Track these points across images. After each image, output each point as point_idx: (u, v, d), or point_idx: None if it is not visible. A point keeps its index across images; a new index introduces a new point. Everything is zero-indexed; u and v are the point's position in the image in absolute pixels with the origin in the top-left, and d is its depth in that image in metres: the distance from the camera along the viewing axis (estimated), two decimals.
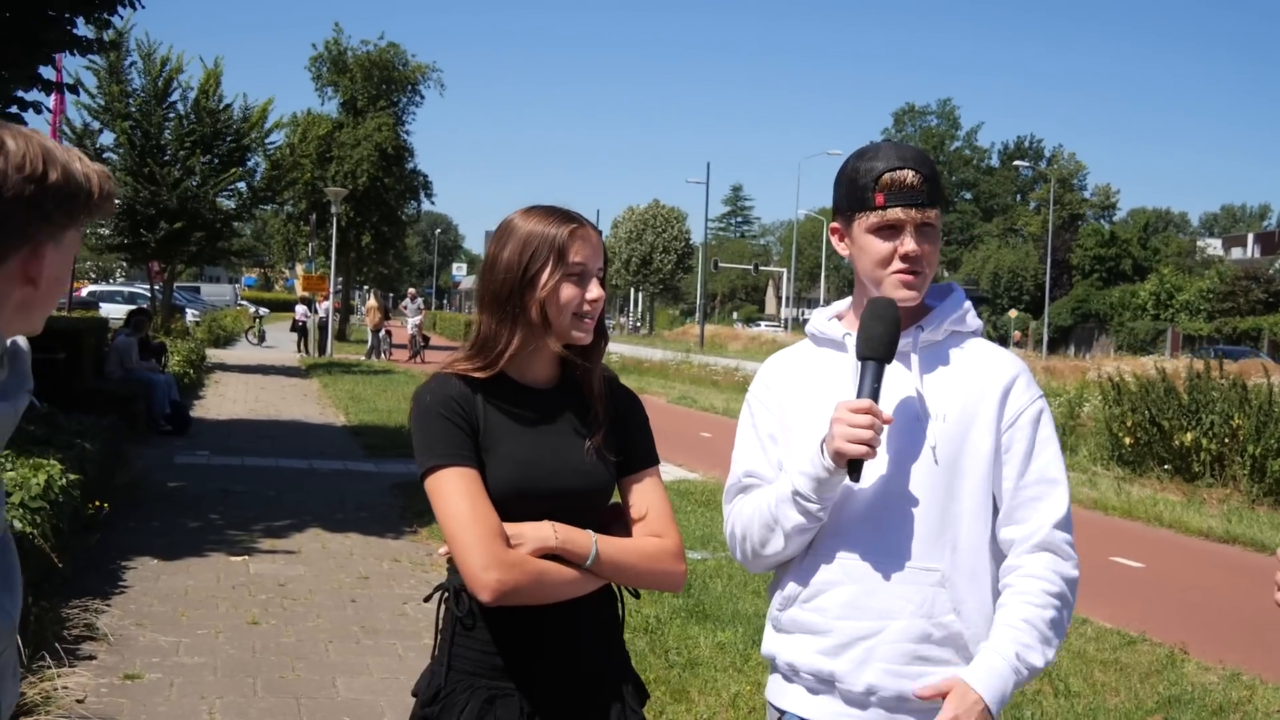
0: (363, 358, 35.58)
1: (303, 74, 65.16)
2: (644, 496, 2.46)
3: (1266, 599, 1.74)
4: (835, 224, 2.49)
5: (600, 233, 2.46)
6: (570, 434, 2.41)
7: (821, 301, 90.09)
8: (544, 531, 2.29)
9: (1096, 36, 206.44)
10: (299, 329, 37.78)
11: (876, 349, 2.27)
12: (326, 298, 37.49)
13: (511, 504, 2.31)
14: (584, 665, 2.39)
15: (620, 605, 2.49)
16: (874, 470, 2.31)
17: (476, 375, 2.38)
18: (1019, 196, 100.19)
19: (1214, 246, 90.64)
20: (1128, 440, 14.70)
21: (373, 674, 6.01)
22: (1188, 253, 77.67)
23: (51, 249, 1.74)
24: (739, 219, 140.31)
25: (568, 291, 2.34)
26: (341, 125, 46.18)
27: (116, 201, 1.88)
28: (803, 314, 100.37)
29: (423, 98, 49.33)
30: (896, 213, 2.32)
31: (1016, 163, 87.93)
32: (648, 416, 2.55)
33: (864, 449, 2.20)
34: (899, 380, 2.37)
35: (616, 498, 2.50)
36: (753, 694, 5.80)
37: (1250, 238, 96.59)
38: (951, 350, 2.41)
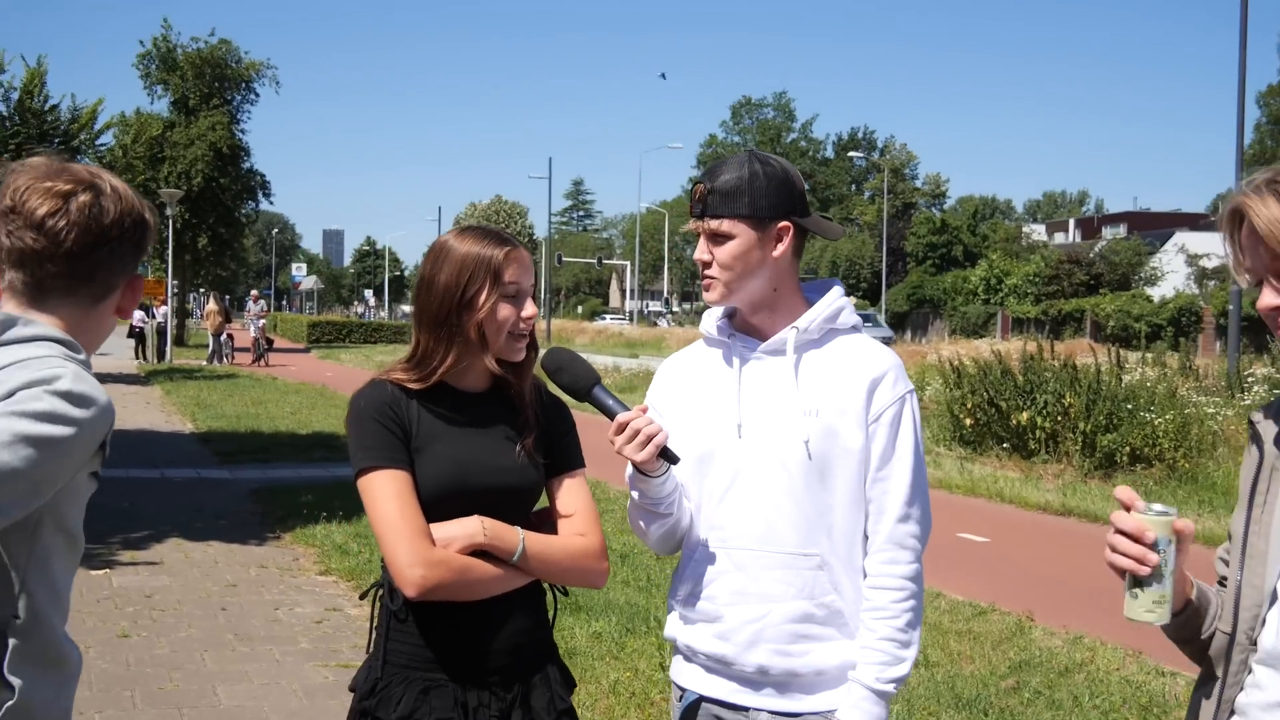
0: (204, 363, 34.72)
1: (130, 72, 62.85)
2: (570, 497, 2.60)
3: (1103, 566, 1.96)
4: None
5: (530, 252, 2.60)
6: (501, 437, 2.54)
7: (665, 293, 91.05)
8: (473, 527, 2.42)
9: (925, 30, 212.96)
10: (136, 335, 36.63)
11: (576, 391, 2.53)
12: (164, 302, 36.45)
13: (446, 500, 2.43)
14: (512, 656, 2.51)
15: (552, 601, 2.64)
16: (753, 464, 2.49)
17: (412, 386, 2.50)
18: (854, 186, 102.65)
19: (1038, 232, 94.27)
20: (968, 421, 15.33)
21: (252, 681, 6.00)
22: (1014, 238, 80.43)
23: (140, 281, 2.00)
24: (581, 213, 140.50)
25: (504, 311, 2.48)
26: (173, 125, 44.68)
27: None
28: (646, 306, 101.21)
29: (257, 95, 48.15)
30: (694, 224, 2.53)
31: (851, 153, 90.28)
32: (574, 423, 2.69)
33: (647, 451, 2.41)
34: (776, 376, 2.53)
35: (545, 501, 2.64)
36: (631, 680, 5.99)
37: (1071, 223, 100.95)
38: (828, 347, 2.55)
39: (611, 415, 2.47)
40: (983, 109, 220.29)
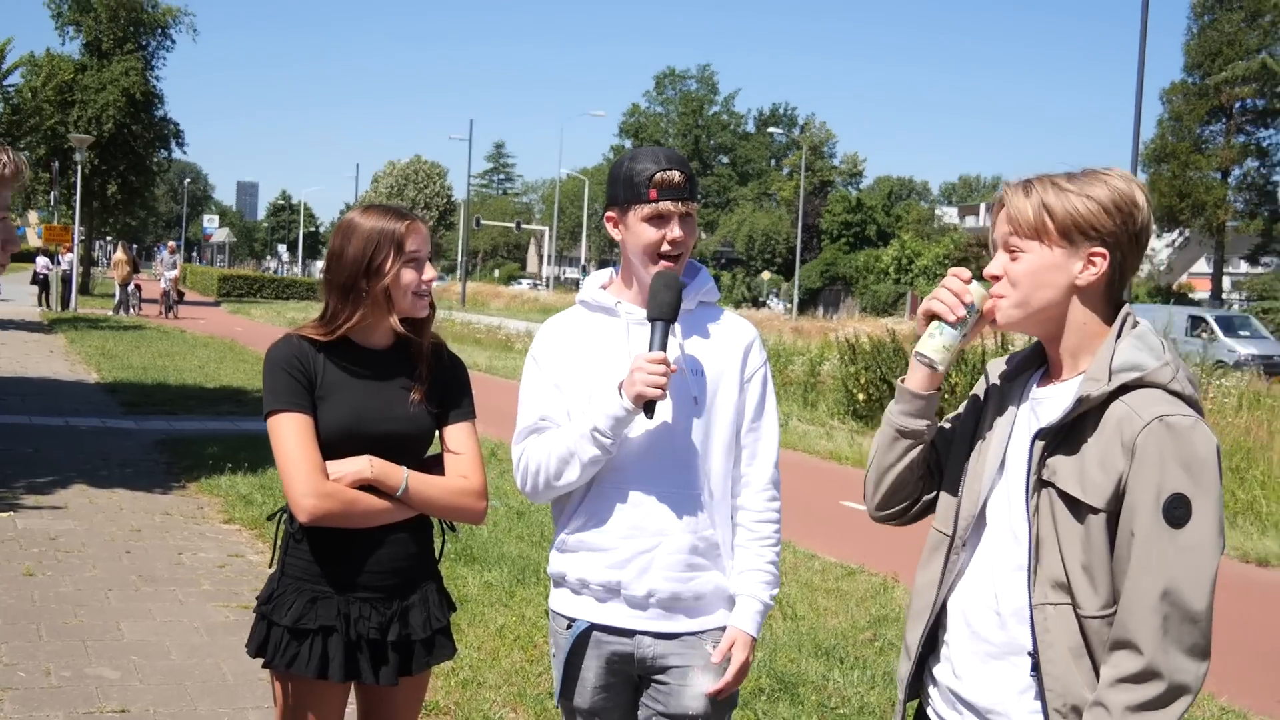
0: (110, 313, 34.27)
1: (41, 11, 60.79)
2: (458, 443, 3.03)
3: None
4: (611, 214, 2.93)
5: (428, 224, 3.03)
6: (398, 388, 2.97)
7: (583, 259, 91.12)
8: (361, 464, 2.85)
9: (850, 11, 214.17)
10: (40, 281, 36.04)
11: (665, 312, 2.75)
12: (70, 249, 35.89)
13: (343, 443, 2.86)
14: (394, 577, 2.95)
15: (441, 538, 3.08)
16: (657, 412, 2.84)
17: (319, 339, 2.91)
18: (773, 162, 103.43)
19: (950, 215, 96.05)
20: (861, 396, 15.94)
21: (155, 618, 6.29)
22: (927, 220, 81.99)
23: None
24: (501, 176, 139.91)
25: (408, 275, 2.91)
26: (85, 68, 43.74)
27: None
28: (564, 272, 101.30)
29: (173, 42, 47.42)
30: (667, 205, 2.86)
31: (771, 129, 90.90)
32: (469, 379, 3.12)
33: (659, 392, 2.68)
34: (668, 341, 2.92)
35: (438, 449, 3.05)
36: (517, 625, 6.40)
37: (983, 207, 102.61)
38: (701, 317, 2.96)
39: (661, 347, 2.74)
40: (903, 92, 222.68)
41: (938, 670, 2.37)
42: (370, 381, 2.95)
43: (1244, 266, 63.11)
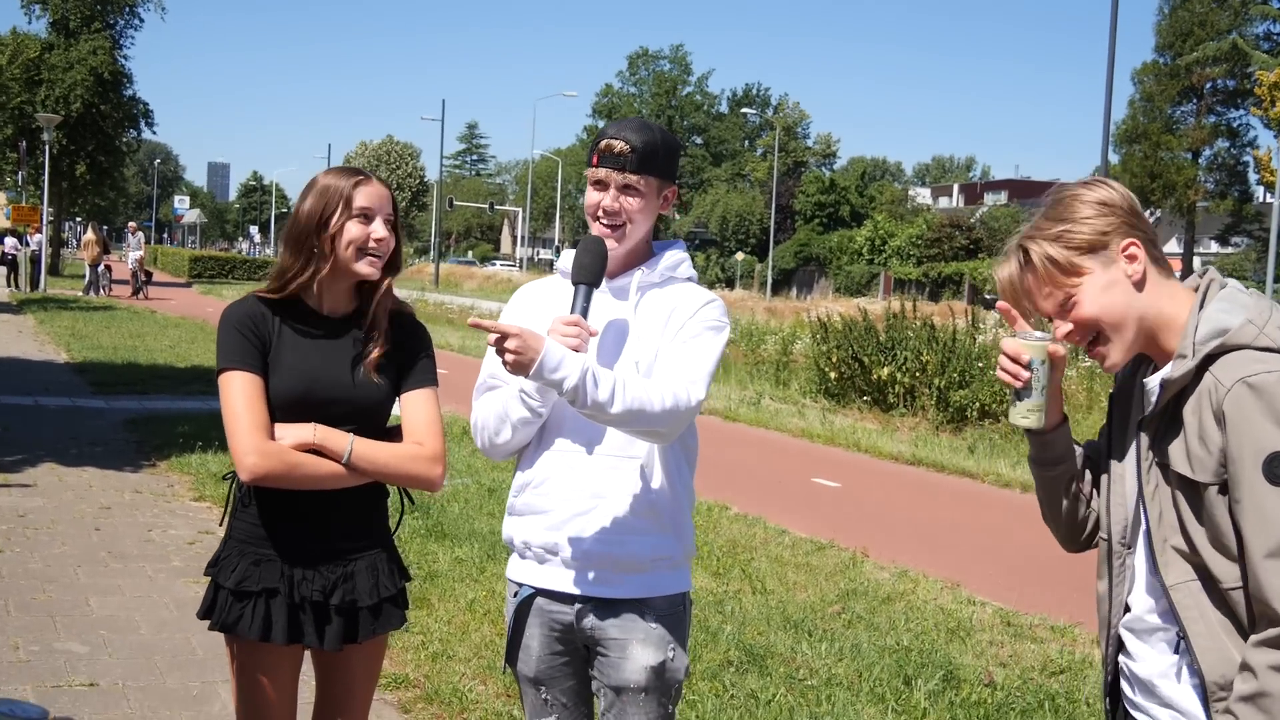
0: (80, 294, 34.03)
1: None
2: (414, 409, 3.01)
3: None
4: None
5: (389, 187, 3.02)
6: (352, 355, 2.96)
7: (556, 240, 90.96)
8: (304, 430, 2.84)
9: None
10: (8, 262, 35.72)
11: (585, 275, 2.77)
12: (38, 230, 35.57)
13: (293, 408, 2.85)
14: (342, 541, 2.95)
15: (400, 509, 3.10)
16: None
17: (272, 297, 2.92)
18: (747, 143, 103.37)
19: (923, 195, 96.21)
20: (833, 375, 16.02)
21: (125, 594, 6.29)
22: (900, 201, 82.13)
23: None
24: (475, 157, 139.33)
25: (353, 230, 2.88)
26: (52, 47, 43.26)
27: None
28: (538, 254, 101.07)
29: (142, 21, 47.02)
30: (604, 172, 2.86)
31: (744, 110, 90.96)
32: (432, 347, 3.11)
33: (579, 345, 2.65)
34: (617, 307, 2.88)
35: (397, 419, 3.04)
36: (487, 599, 6.42)
37: (956, 188, 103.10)
38: (666, 289, 2.92)
39: (582, 312, 2.74)
40: (876, 72, 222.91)
41: (1121, 657, 2.38)
42: (325, 348, 2.94)
43: (1214, 246, 63.56)
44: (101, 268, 34.91)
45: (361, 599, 2.95)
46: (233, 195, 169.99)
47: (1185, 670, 2.18)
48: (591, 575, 2.84)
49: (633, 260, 2.93)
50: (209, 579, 2.97)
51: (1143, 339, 2.26)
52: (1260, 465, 2.01)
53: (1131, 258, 2.21)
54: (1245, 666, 2.04)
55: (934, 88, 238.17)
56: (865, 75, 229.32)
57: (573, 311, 2.75)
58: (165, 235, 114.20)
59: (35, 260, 35.01)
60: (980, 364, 14.30)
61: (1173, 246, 64.15)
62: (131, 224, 39.92)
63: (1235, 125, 57.15)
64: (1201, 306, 2.18)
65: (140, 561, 6.91)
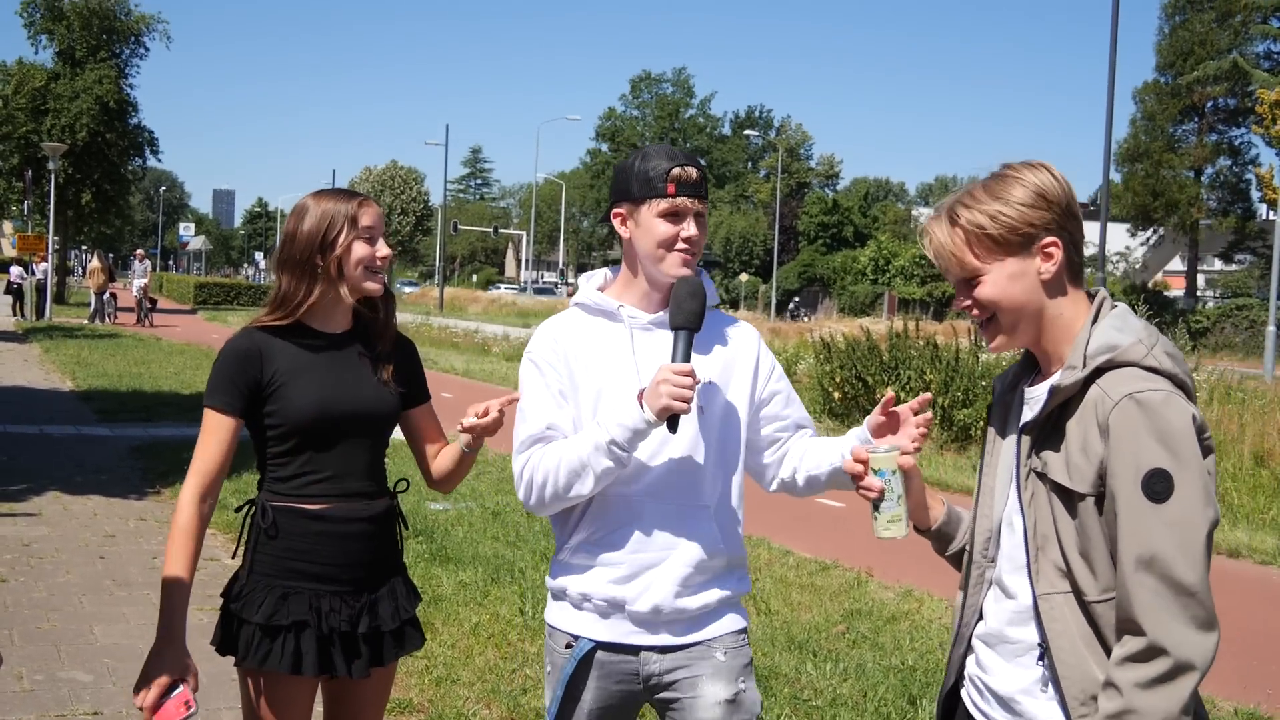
0: (86, 321, 34.14)
1: (13, 20, 59.19)
2: (430, 420, 3.18)
3: None
4: (620, 210, 2.81)
5: (424, 219, 3.12)
6: (361, 369, 3.02)
7: (560, 264, 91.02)
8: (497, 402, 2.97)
9: (825, 12, 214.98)
10: (14, 291, 35.84)
11: (691, 320, 2.65)
12: (44, 259, 35.71)
13: (314, 424, 2.91)
14: (363, 570, 2.98)
15: (399, 532, 3.12)
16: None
17: (277, 324, 2.95)
18: (750, 164, 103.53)
19: (926, 215, 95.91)
20: (837, 395, 15.99)
21: (130, 622, 6.30)
22: (903, 220, 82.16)
23: None
24: (478, 181, 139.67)
25: (360, 249, 2.95)
26: (58, 76, 43.53)
27: None
28: (542, 277, 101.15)
29: (147, 50, 47.13)
30: (684, 201, 2.73)
31: (747, 132, 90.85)
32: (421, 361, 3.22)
33: (685, 405, 2.56)
34: (659, 345, 2.75)
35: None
36: (491, 623, 6.42)
37: None
38: (705, 324, 2.75)
39: (685, 359, 2.62)
40: (879, 93, 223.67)
41: (969, 663, 2.39)
42: (334, 364, 2.99)
43: (1218, 264, 63.51)
44: (107, 295, 35.03)
45: (385, 624, 2.99)
46: (238, 222, 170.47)
47: (1049, 685, 2.18)
48: (660, 628, 2.76)
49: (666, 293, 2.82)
50: (220, 609, 2.99)
51: (1032, 334, 2.28)
52: (1140, 481, 2.04)
53: (1048, 256, 2.22)
54: (1110, 684, 2.04)
55: (936, 108, 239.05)
56: (868, 96, 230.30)
57: (675, 358, 2.64)
58: (171, 262, 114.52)
59: (41, 289, 35.12)
60: (984, 382, 14.28)
61: (1176, 264, 64.15)
62: (138, 251, 40.11)
63: (1237, 143, 57.14)
64: (1095, 321, 2.20)
65: (145, 589, 6.92)
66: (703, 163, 2.91)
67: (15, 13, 43.80)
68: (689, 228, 2.74)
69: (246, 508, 3.04)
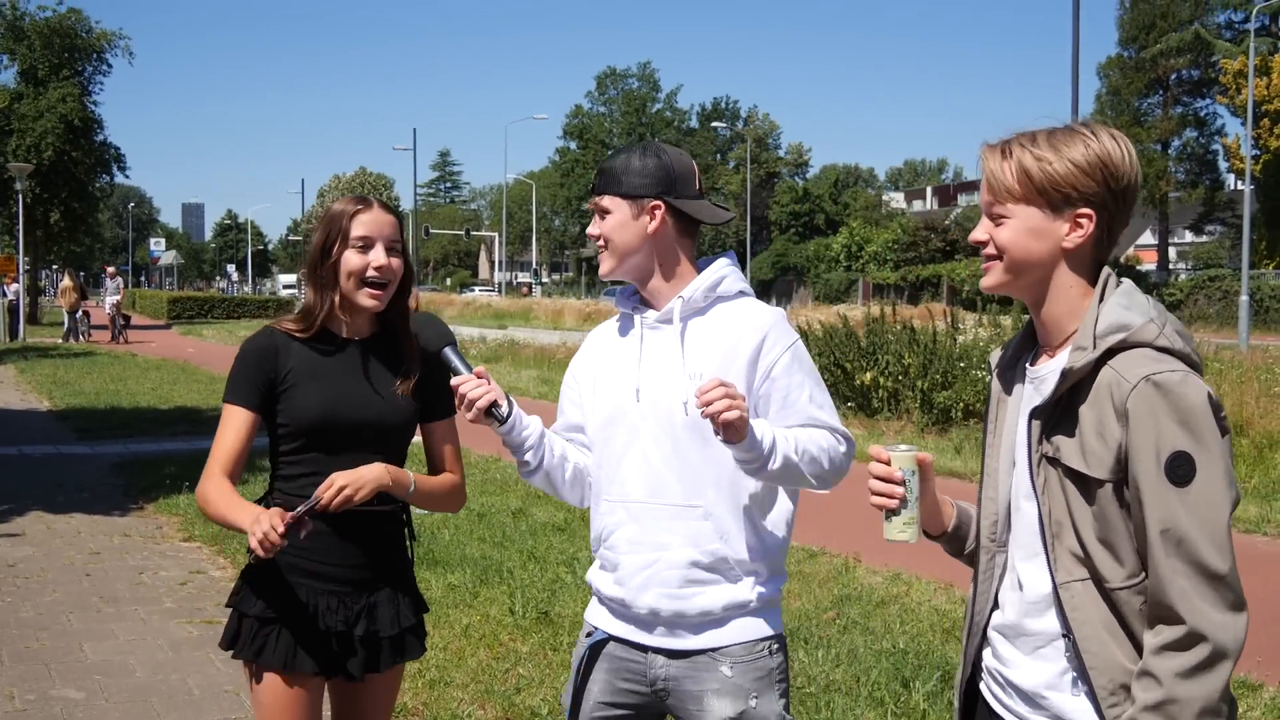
0: (60, 340, 33.92)
1: None
2: (444, 438, 3.13)
3: None
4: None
5: (393, 210, 3.04)
6: (378, 377, 2.99)
7: (534, 264, 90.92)
8: (377, 471, 2.85)
9: (785, 2, 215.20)
10: None
11: (437, 344, 2.81)
12: (14, 280, 35.47)
13: (322, 429, 2.90)
14: (364, 572, 2.97)
15: (408, 539, 3.11)
16: (647, 425, 2.73)
17: (297, 333, 2.96)
18: (719, 156, 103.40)
19: (897, 200, 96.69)
20: None
21: (119, 638, 6.27)
22: (874, 206, 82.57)
23: None
24: (448, 184, 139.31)
25: (352, 260, 2.91)
26: (21, 96, 43.21)
27: None
28: (515, 277, 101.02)
29: (110, 67, 46.82)
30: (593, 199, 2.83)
31: (715, 124, 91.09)
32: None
33: (471, 412, 2.68)
34: (663, 342, 2.77)
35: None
36: (481, 624, 6.42)
37: (929, 190, 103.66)
38: (713, 313, 2.77)
39: (463, 370, 2.73)
40: (845, 79, 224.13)
41: (986, 655, 2.33)
42: (348, 370, 2.97)
43: (1189, 236, 63.97)
44: (80, 314, 34.80)
45: (383, 629, 2.98)
46: (208, 235, 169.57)
47: (1075, 678, 2.12)
48: (660, 629, 2.76)
49: (671, 285, 2.82)
50: (230, 610, 3.00)
51: (1033, 295, 2.21)
52: (1163, 465, 1.99)
53: (1078, 226, 2.14)
54: (1147, 674, 1.99)
55: (903, 92, 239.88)
56: (834, 83, 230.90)
57: (459, 374, 2.78)
58: (143, 278, 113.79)
59: (13, 310, 34.87)
60: (962, 364, 14.35)
61: (1148, 238, 64.54)
62: (109, 268, 39.86)
63: (1203, 114, 57.63)
64: (1101, 300, 2.14)
65: (132, 605, 6.89)
66: (622, 154, 2.85)
67: None
68: (591, 226, 2.85)
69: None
